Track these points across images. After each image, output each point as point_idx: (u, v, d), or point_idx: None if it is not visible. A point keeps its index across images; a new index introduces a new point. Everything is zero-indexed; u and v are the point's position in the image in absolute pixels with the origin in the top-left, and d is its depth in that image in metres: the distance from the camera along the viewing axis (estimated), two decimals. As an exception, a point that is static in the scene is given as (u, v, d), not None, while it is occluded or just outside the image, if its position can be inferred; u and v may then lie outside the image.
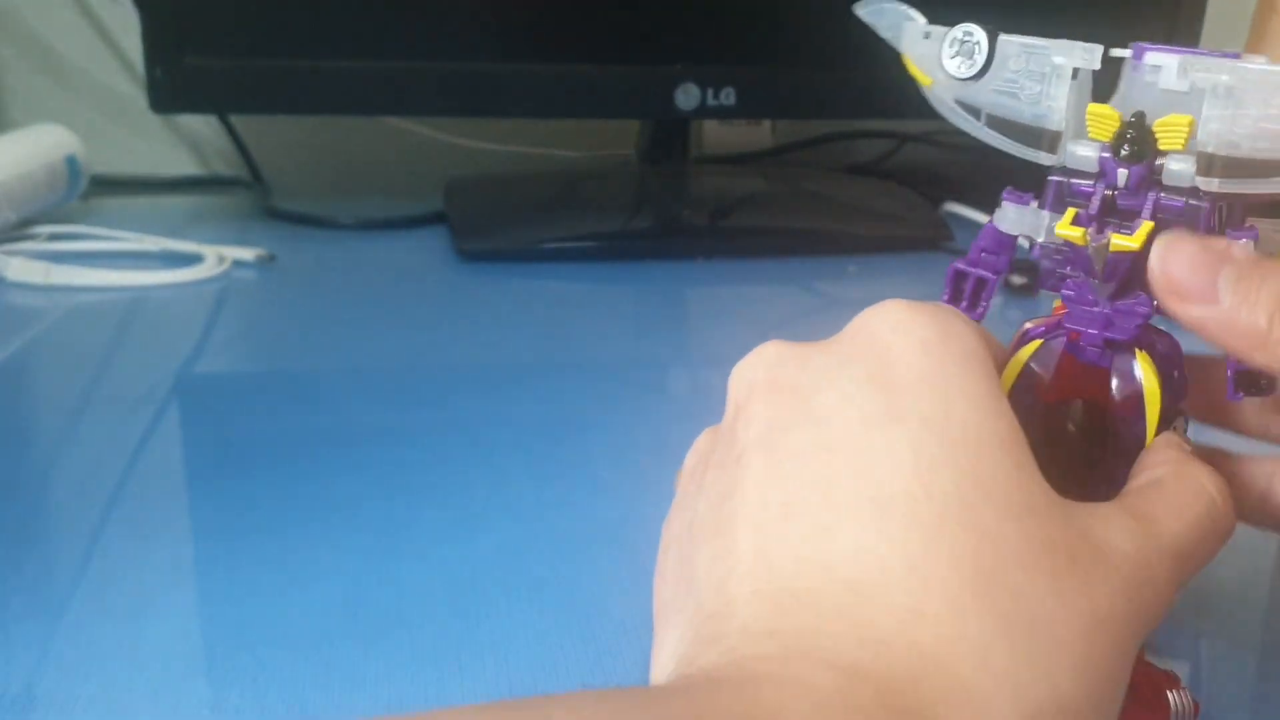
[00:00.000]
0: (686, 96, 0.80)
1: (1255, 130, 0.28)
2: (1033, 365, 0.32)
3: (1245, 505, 0.33)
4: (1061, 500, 0.26)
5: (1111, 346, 0.31)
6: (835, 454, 0.26)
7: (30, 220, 0.78)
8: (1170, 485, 0.28)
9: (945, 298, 0.33)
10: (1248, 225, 0.31)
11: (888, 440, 0.25)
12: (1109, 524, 0.26)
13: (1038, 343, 0.32)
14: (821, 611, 0.23)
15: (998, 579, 0.24)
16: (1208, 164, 0.29)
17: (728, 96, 0.80)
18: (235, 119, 0.93)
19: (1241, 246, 0.29)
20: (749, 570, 0.25)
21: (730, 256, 0.79)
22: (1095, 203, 0.30)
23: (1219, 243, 0.29)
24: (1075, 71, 0.31)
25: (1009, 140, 0.31)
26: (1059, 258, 0.31)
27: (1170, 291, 0.29)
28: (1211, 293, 0.28)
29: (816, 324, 0.73)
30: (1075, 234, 0.30)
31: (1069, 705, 0.23)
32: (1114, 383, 0.31)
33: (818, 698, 0.21)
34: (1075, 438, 0.33)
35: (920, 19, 0.33)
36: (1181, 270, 0.29)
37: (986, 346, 0.28)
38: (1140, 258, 0.29)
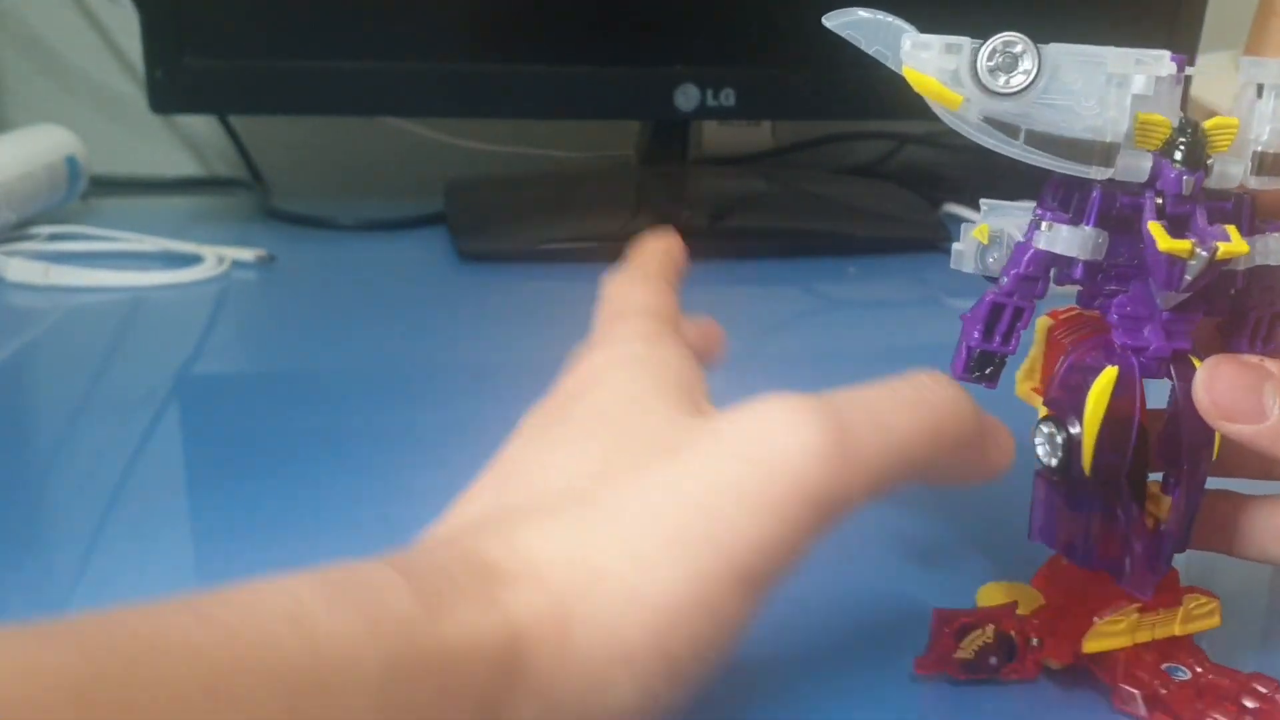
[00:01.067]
0: (686, 97, 0.80)
1: None
2: (1119, 394, 0.31)
3: (1258, 544, 0.33)
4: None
5: (1177, 356, 0.31)
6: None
7: (30, 221, 0.78)
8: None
9: (976, 337, 0.31)
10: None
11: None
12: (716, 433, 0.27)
13: (1114, 371, 0.31)
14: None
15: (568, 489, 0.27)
16: (1260, 163, 0.29)
17: (727, 97, 0.80)
18: (235, 120, 0.93)
19: (1276, 362, 0.29)
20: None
21: (730, 257, 0.79)
22: (1199, 214, 0.29)
23: (1255, 360, 0.30)
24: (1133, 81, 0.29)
25: (1050, 158, 0.29)
26: (1101, 275, 0.30)
27: (1220, 416, 0.30)
28: (1259, 412, 0.29)
29: (816, 324, 0.73)
30: (1183, 247, 0.28)
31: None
32: (1184, 391, 0.31)
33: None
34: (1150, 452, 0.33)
35: (912, 29, 0.29)
36: (1228, 394, 0.30)
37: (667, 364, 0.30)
38: (1216, 266, 0.29)
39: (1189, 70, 0.29)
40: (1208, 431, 0.32)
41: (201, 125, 0.96)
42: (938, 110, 0.29)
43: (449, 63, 0.79)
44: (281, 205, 0.87)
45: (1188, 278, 0.29)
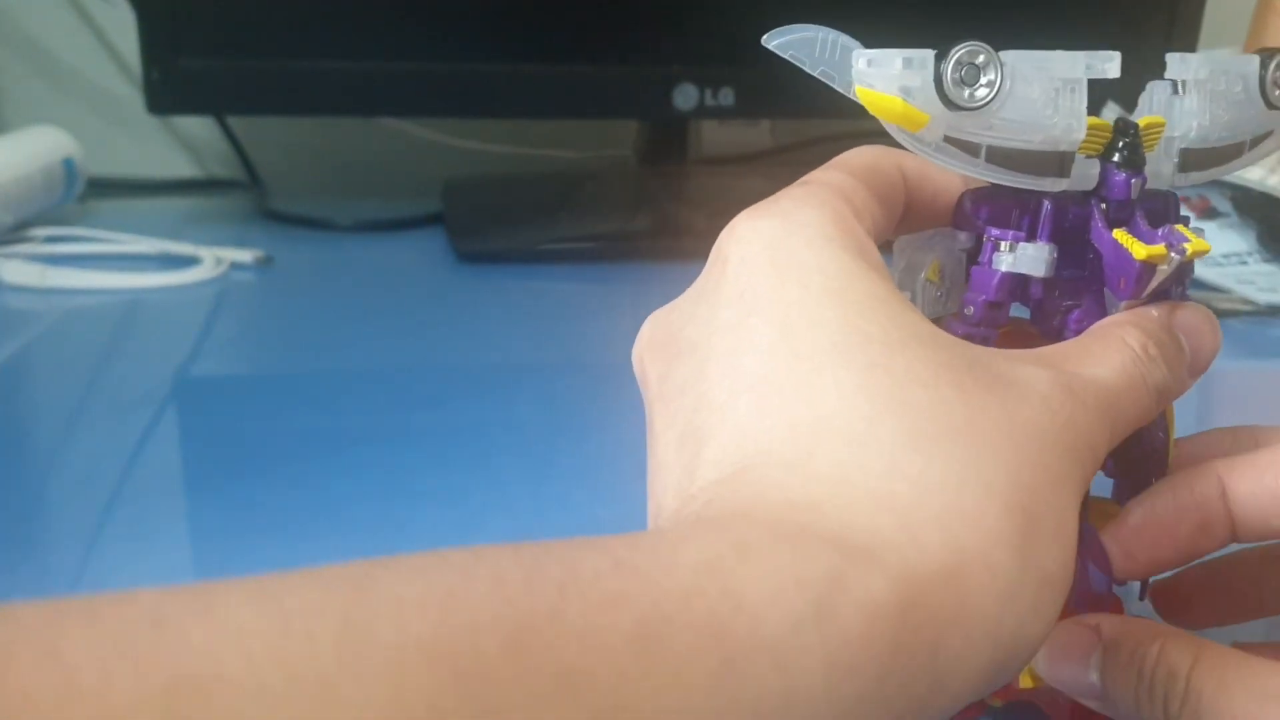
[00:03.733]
0: (684, 97, 0.80)
1: (1224, 120, 0.29)
2: None
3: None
4: (957, 339, 0.25)
5: None
6: (706, 371, 0.25)
7: (27, 223, 0.78)
8: (1087, 340, 0.28)
9: None
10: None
11: (749, 335, 0.25)
12: (1014, 360, 0.26)
13: None
14: (715, 499, 0.23)
15: (896, 399, 0.23)
16: (1185, 160, 0.29)
17: (726, 97, 0.80)
18: (232, 120, 0.92)
19: (1109, 622, 0.30)
20: (662, 493, 0.25)
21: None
22: (1139, 216, 0.28)
23: (1086, 631, 0.29)
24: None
25: (1010, 173, 0.27)
26: (1055, 291, 0.29)
27: (1063, 688, 0.30)
28: (1088, 686, 0.29)
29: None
30: (1160, 252, 0.27)
31: (1013, 503, 0.22)
32: None
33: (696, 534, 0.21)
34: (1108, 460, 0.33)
35: (857, 44, 0.27)
36: (1057, 668, 0.30)
37: (837, 221, 0.26)
38: (1187, 266, 0.29)
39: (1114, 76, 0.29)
40: (1161, 439, 0.31)
41: (198, 126, 0.96)
42: (894, 132, 0.27)
43: (446, 63, 0.79)
44: (279, 206, 0.87)
45: (1153, 283, 0.28)
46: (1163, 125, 0.29)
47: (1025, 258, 0.28)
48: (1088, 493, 0.33)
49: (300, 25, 0.77)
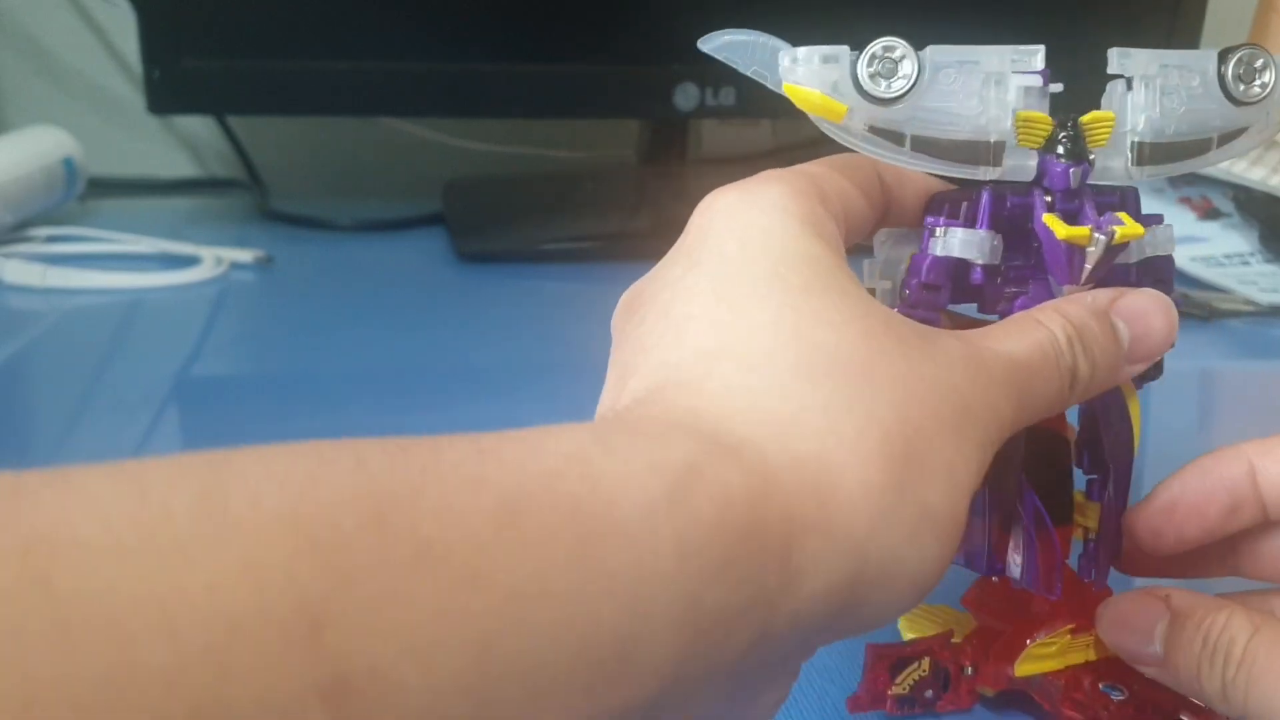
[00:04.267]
0: (685, 96, 0.80)
1: (1180, 115, 0.30)
2: None
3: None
4: (880, 304, 0.26)
5: None
6: (647, 319, 0.27)
7: (27, 222, 0.77)
8: (1009, 320, 0.29)
9: None
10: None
11: (687, 286, 0.26)
12: (933, 331, 0.26)
13: None
14: (638, 418, 0.24)
15: (801, 336, 0.24)
16: (1139, 154, 0.30)
17: (727, 96, 0.80)
18: (233, 120, 0.92)
19: (1179, 594, 0.31)
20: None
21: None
22: (1088, 208, 0.29)
23: (1155, 600, 0.31)
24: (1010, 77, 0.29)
25: (939, 162, 0.29)
26: (1000, 279, 0.30)
27: (1123, 655, 0.31)
28: (1152, 657, 0.30)
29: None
30: (1082, 233, 0.29)
31: (894, 435, 0.23)
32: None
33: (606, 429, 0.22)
34: (1063, 461, 0.33)
35: (785, 45, 0.28)
36: (1121, 638, 0.31)
37: (794, 195, 0.27)
38: (1113, 252, 0.29)
39: (1055, 86, 0.29)
40: (1126, 431, 0.32)
41: (199, 126, 0.96)
42: (821, 125, 0.28)
43: (447, 63, 0.79)
44: (279, 206, 0.87)
45: (1088, 267, 0.29)
46: (1111, 119, 0.29)
47: (955, 242, 0.30)
48: (1067, 484, 0.33)
49: (301, 25, 0.77)
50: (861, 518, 0.22)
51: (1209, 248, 0.79)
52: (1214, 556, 0.33)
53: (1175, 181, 0.85)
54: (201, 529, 0.17)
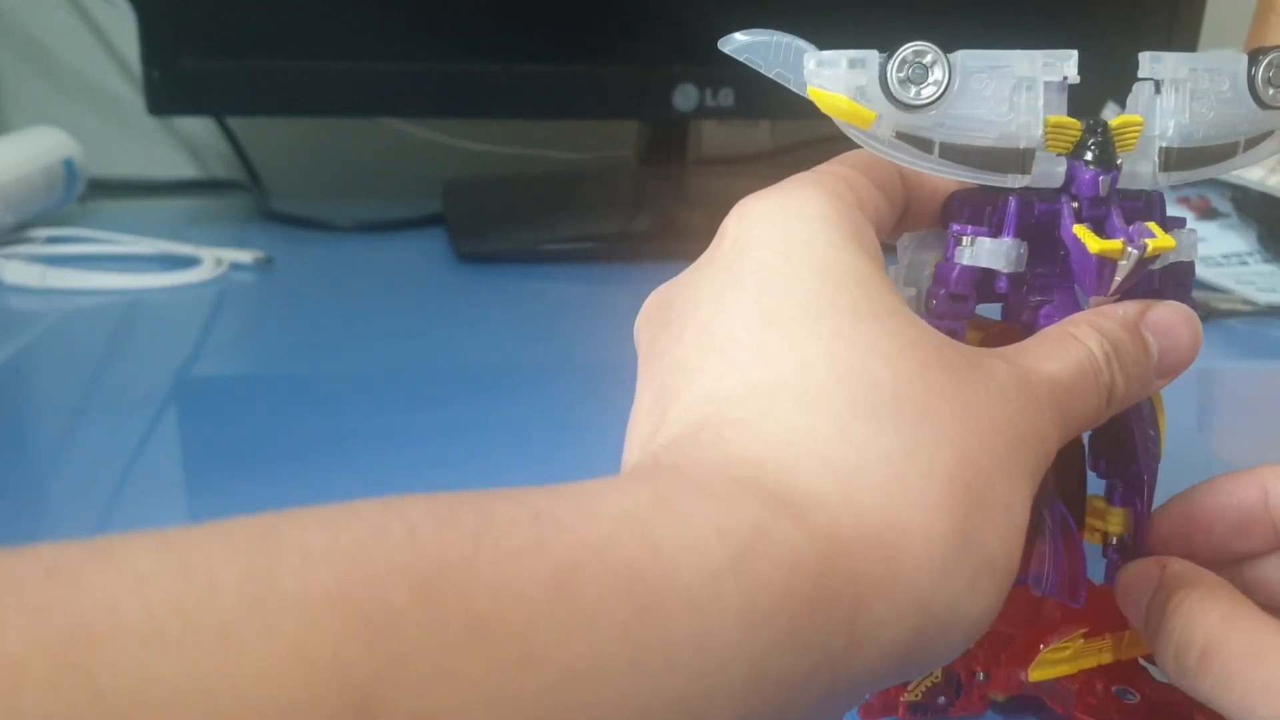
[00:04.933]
0: (685, 97, 0.80)
1: (1209, 119, 0.29)
2: None
3: None
4: (928, 324, 0.26)
5: None
6: (685, 335, 0.26)
7: (27, 223, 0.78)
8: (1044, 337, 0.28)
9: None
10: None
11: (728, 302, 0.25)
12: (977, 352, 0.26)
13: None
14: (667, 454, 0.24)
15: (856, 369, 0.24)
16: (1166, 159, 0.29)
17: (726, 97, 0.80)
18: (232, 121, 0.92)
19: (1173, 564, 0.30)
20: (629, 450, 0.26)
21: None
22: (1115, 215, 0.29)
23: (1152, 566, 0.30)
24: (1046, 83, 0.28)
25: (967, 169, 0.28)
26: (1026, 287, 0.30)
27: (1126, 613, 0.31)
28: (1141, 621, 0.30)
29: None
30: (1115, 247, 0.28)
31: (958, 481, 0.23)
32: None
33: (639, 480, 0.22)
34: (1077, 465, 0.33)
35: (812, 47, 0.27)
36: (1125, 602, 0.31)
37: (834, 201, 0.27)
38: (1144, 264, 0.29)
39: (1071, 79, 0.29)
40: (1156, 438, 0.32)
41: (199, 127, 0.96)
42: (848, 130, 0.27)
43: (447, 63, 0.79)
44: (279, 207, 0.87)
45: (1118, 279, 0.28)
46: (1140, 124, 0.29)
47: (983, 251, 0.29)
48: (1084, 490, 0.33)
49: (301, 26, 0.77)
50: (925, 573, 0.22)
51: (1207, 248, 0.79)
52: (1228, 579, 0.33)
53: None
54: (250, 613, 0.16)
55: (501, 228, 0.82)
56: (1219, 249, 0.79)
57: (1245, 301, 0.72)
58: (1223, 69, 0.29)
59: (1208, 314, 0.70)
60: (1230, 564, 0.33)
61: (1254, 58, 0.29)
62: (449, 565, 0.18)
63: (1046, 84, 0.28)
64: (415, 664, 0.17)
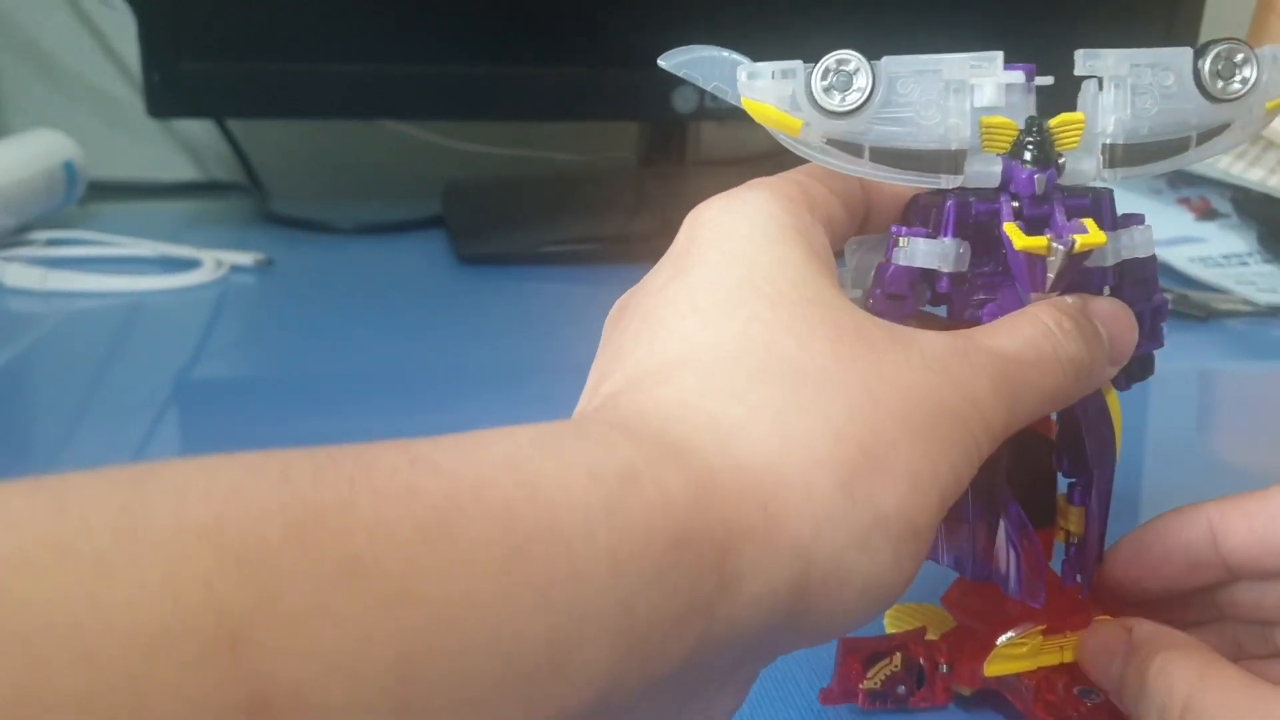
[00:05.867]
0: (684, 99, 0.80)
1: (1154, 115, 0.29)
2: None
3: None
4: (858, 310, 0.26)
5: None
6: (629, 328, 0.27)
7: (28, 226, 0.78)
8: (1001, 320, 0.28)
9: None
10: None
11: (668, 295, 0.27)
12: (916, 332, 0.26)
13: None
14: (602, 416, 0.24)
15: (764, 346, 0.24)
16: (1111, 156, 0.29)
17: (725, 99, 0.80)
18: (232, 124, 0.92)
19: (1140, 627, 0.31)
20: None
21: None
22: (1058, 213, 0.29)
23: (1120, 632, 0.31)
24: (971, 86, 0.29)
25: (899, 172, 0.28)
26: (968, 286, 0.30)
27: (1093, 677, 0.31)
28: (1114, 685, 0.30)
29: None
30: (1040, 243, 0.28)
31: (848, 438, 0.23)
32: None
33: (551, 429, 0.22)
34: (1045, 463, 0.33)
35: (745, 60, 0.28)
36: (1093, 664, 0.31)
37: (780, 201, 0.28)
38: (1077, 260, 0.29)
39: (1040, 80, 0.29)
40: (1109, 433, 0.32)
41: (199, 129, 0.96)
42: (780, 138, 0.28)
43: (446, 65, 0.79)
44: (279, 209, 0.87)
45: (1050, 275, 0.28)
46: (1081, 122, 0.29)
47: (918, 252, 0.29)
48: (1053, 489, 0.33)
49: (300, 28, 0.77)
50: (807, 524, 0.22)
51: (1207, 248, 0.79)
52: (1193, 603, 0.34)
53: (1174, 182, 0.85)
54: (121, 544, 0.16)
55: (501, 229, 0.82)
56: (1219, 249, 0.79)
57: (1245, 302, 0.72)
58: (1166, 64, 0.29)
59: (1207, 314, 0.70)
60: (1188, 596, 0.33)
61: (1200, 51, 0.29)
62: (325, 506, 0.18)
63: (1010, 86, 0.29)
64: (288, 600, 0.17)
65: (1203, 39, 0.92)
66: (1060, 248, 0.28)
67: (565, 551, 0.20)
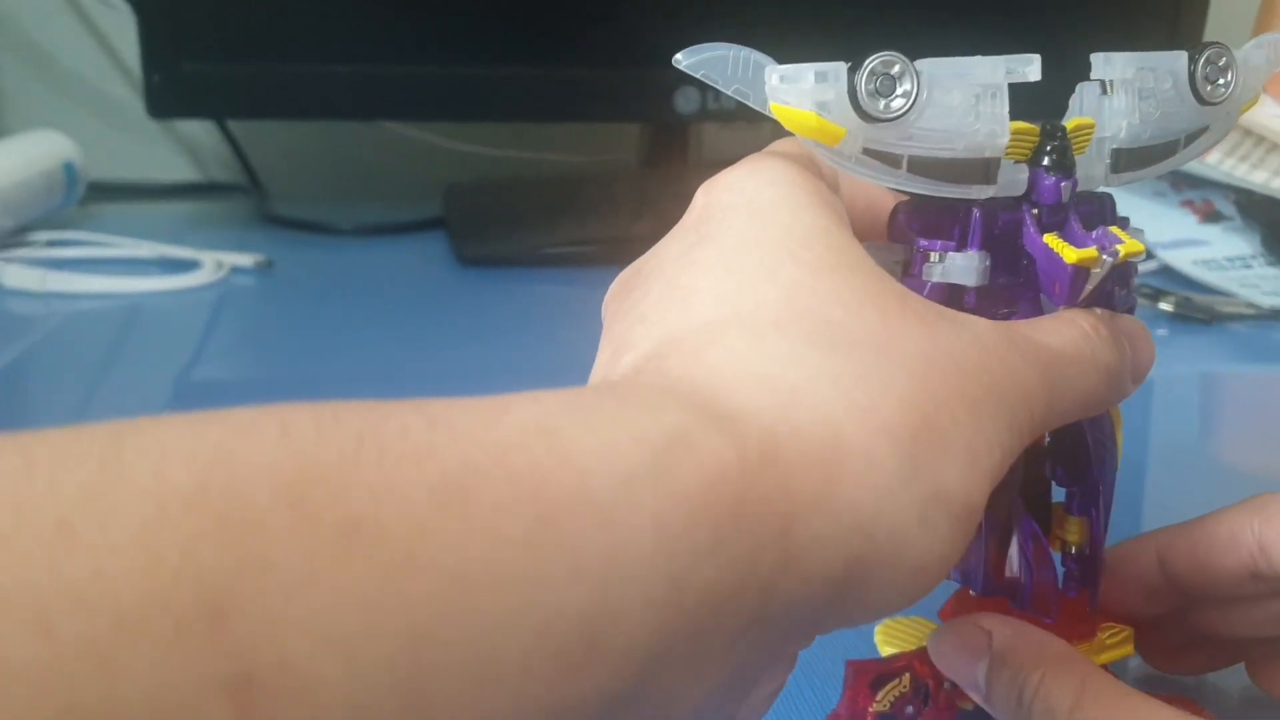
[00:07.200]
0: (686, 100, 0.80)
1: (1155, 119, 0.29)
2: None
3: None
4: (898, 283, 0.25)
5: None
6: (650, 293, 0.25)
7: (28, 227, 0.77)
8: (1042, 318, 0.28)
9: None
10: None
11: (694, 259, 0.25)
12: (956, 311, 0.25)
13: None
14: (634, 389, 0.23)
15: (812, 312, 0.23)
16: (1117, 160, 0.29)
17: (727, 100, 0.79)
18: (233, 124, 0.92)
19: (1001, 630, 0.30)
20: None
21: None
22: (1073, 220, 0.28)
23: (980, 629, 0.30)
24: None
25: (934, 183, 0.26)
26: (992, 298, 0.29)
27: (948, 674, 0.31)
28: (974, 685, 0.30)
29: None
30: (1092, 255, 0.27)
31: (911, 406, 0.22)
32: None
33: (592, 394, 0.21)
34: (1038, 471, 0.33)
35: (770, 60, 0.26)
36: (950, 664, 0.31)
37: (800, 168, 0.26)
38: (1123, 268, 0.28)
39: (1023, 78, 0.28)
40: (1113, 447, 0.31)
41: (199, 130, 0.96)
42: (811, 147, 0.26)
43: (447, 66, 0.79)
44: (280, 210, 0.87)
45: (1089, 287, 0.27)
46: (1092, 126, 0.28)
47: (955, 268, 0.28)
48: (1049, 499, 0.33)
49: (301, 29, 0.77)
50: (868, 495, 0.21)
51: (1211, 251, 0.79)
52: (1165, 625, 0.34)
53: (1177, 185, 0.84)
54: (91, 506, 0.15)
55: (502, 231, 0.82)
56: (1223, 252, 0.79)
57: (1249, 305, 0.72)
58: (1163, 67, 0.29)
59: (1211, 317, 0.70)
60: (1159, 619, 0.33)
61: (1193, 54, 0.29)
62: (323, 466, 0.17)
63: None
64: (278, 566, 0.15)
65: (1207, 39, 0.91)
66: (1108, 260, 0.27)
67: (603, 522, 0.18)
